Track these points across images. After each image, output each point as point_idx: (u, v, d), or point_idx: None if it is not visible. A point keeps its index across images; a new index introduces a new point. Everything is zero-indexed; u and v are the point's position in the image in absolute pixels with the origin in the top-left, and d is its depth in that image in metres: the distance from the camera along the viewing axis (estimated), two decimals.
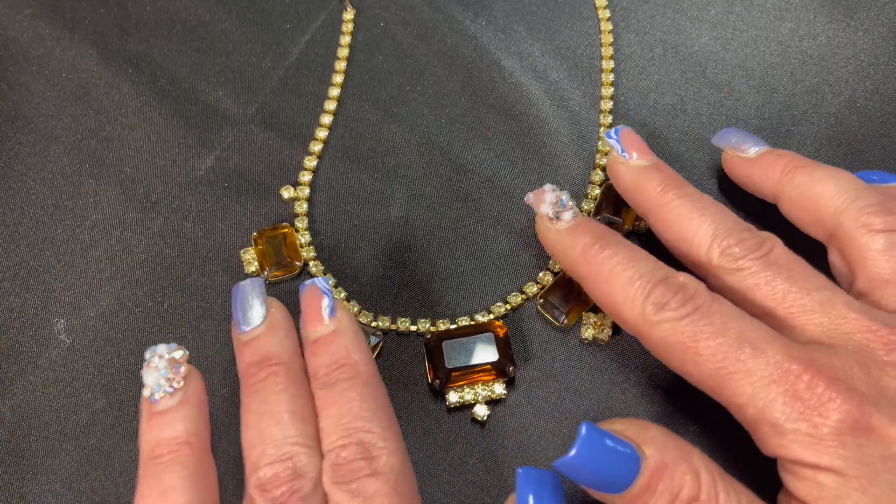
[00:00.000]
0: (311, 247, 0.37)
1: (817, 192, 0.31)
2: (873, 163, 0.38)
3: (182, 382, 0.29)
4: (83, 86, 0.40)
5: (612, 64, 0.41)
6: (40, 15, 0.42)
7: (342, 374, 0.29)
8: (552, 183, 0.38)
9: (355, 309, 0.36)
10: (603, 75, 0.41)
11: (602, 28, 0.41)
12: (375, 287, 0.36)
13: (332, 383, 0.28)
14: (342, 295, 0.36)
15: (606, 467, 0.25)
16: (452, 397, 0.33)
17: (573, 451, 0.25)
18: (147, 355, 0.29)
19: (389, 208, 0.38)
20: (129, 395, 0.34)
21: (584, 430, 0.25)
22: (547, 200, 0.32)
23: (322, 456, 0.27)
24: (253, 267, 0.36)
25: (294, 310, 0.35)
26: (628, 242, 0.30)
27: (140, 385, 0.34)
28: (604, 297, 0.29)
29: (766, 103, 0.40)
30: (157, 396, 0.28)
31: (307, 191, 0.38)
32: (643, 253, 0.30)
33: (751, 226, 0.30)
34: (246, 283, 0.31)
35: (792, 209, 0.32)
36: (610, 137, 0.34)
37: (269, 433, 0.27)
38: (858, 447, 0.24)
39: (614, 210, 0.37)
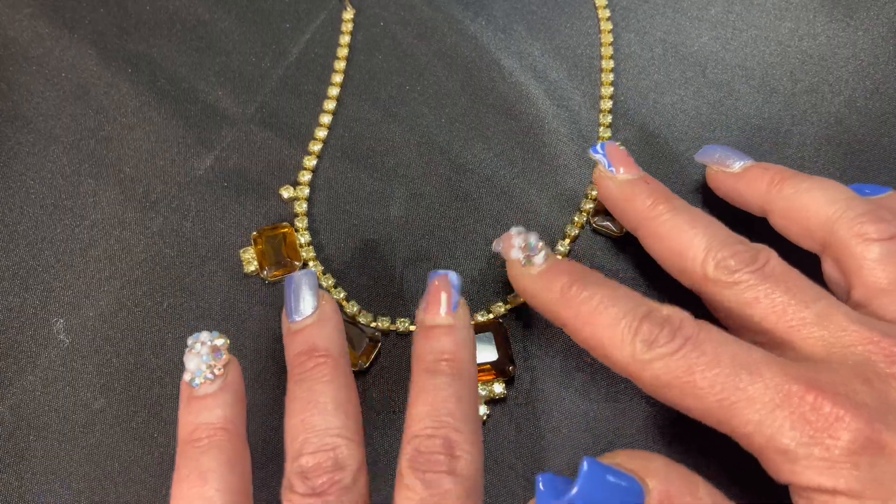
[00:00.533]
0: (311, 247, 0.37)
1: (806, 202, 0.31)
2: (873, 163, 0.38)
3: (222, 370, 0.29)
4: (83, 85, 0.40)
5: (611, 64, 0.41)
6: (40, 15, 0.42)
7: (448, 367, 0.29)
8: (550, 181, 0.38)
9: (355, 308, 0.36)
10: (603, 75, 0.40)
11: (602, 28, 0.41)
12: (375, 287, 0.36)
13: (436, 372, 0.28)
14: (342, 295, 0.36)
15: (606, 500, 0.24)
16: None
17: (575, 489, 0.24)
18: (190, 341, 0.30)
19: (389, 208, 0.38)
20: (128, 394, 0.34)
21: (585, 465, 0.24)
22: (515, 245, 0.31)
23: (361, 449, 0.28)
24: (252, 266, 0.36)
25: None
26: (606, 280, 0.30)
27: (139, 384, 0.34)
28: (589, 340, 0.29)
29: (766, 103, 0.39)
30: (197, 381, 0.29)
31: (307, 190, 0.38)
32: (623, 289, 0.29)
33: (744, 238, 0.30)
34: (299, 274, 0.31)
35: (781, 221, 0.32)
36: (596, 152, 0.34)
37: (313, 422, 0.28)
38: (872, 466, 0.24)
39: None
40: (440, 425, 0.27)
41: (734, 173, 0.34)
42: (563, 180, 0.38)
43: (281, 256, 0.36)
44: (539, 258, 0.31)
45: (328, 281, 0.36)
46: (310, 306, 0.30)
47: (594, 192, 0.38)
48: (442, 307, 0.30)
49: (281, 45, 0.42)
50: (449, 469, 0.26)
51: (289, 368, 0.30)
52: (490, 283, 0.36)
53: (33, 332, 0.35)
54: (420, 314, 0.30)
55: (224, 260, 0.37)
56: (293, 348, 0.30)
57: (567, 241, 0.37)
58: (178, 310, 0.36)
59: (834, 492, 0.24)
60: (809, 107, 0.39)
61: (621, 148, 0.34)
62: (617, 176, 0.33)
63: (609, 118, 0.39)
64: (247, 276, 0.36)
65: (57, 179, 0.38)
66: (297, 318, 0.30)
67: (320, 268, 0.36)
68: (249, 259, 0.36)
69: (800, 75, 0.40)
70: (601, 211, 0.37)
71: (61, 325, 0.35)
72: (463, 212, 0.38)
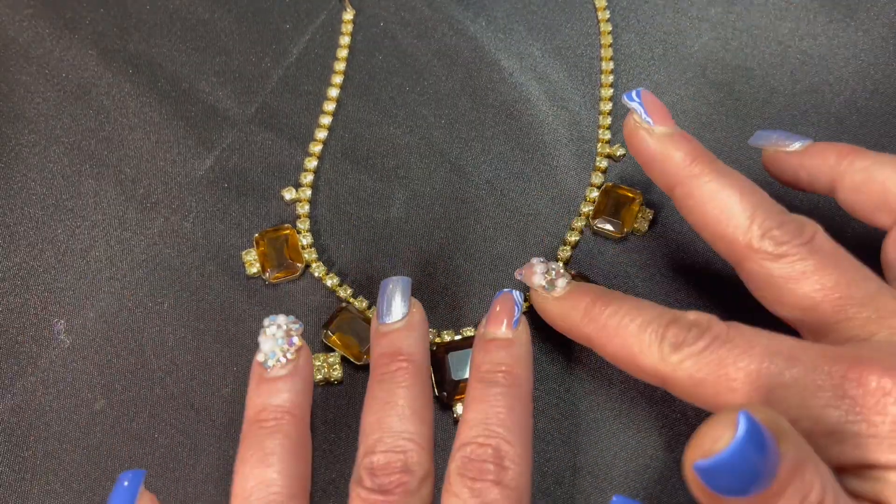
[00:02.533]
0: (313, 248, 0.37)
1: (887, 174, 0.30)
2: None
3: (294, 355, 0.30)
4: (83, 86, 0.41)
5: (611, 65, 0.41)
6: (40, 15, 0.42)
7: (504, 378, 0.29)
8: (550, 183, 0.38)
9: (364, 304, 0.36)
10: (603, 76, 0.40)
11: (602, 29, 0.41)
12: (375, 288, 0.36)
13: (491, 382, 0.29)
14: (349, 291, 0.36)
15: (754, 465, 0.21)
16: (460, 409, 0.33)
17: (728, 450, 0.20)
18: (266, 322, 0.30)
19: (389, 209, 0.38)
20: (128, 395, 0.34)
21: (742, 422, 0.20)
22: (538, 272, 0.32)
23: (430, 458, 0.28)
24: (254, 268, 0.36)
25: (304, 313, 0.36)
26: (627, 296, 0.30)
27: (140, 385, 0.35)
28: (617, 352, 0.29)
29: (766, 103, 0.39)
30: (269, 363, 0.29)
31: (308, 192, 0.38)
32: (646, 302, 0.29)
33: (785, 209, 0.29)
34: (395, 280, 0.32)
35: (853, 195, 0.31)
36: (631, 100, 0.31)
37: (389, 423, 0.28)
38: None
39: (613, 212, 0.37)
40: (491, 434, 0.27)
41: (797, 151, 0.33)
42: (563, 181, 0.38)
43: (283, 258, 0.36)
44: (561, 282, 0.32)
45: (332, 280, 0.36)
46: (400, 312, 0.31)
47: (593, 195, 0.38)
48: (503, 323, 0.30)
49: (281, 46, 0.42)
50: (496, 479, 0.26)
51: (372, 368, 0.30)
52: (489, 285, 0.36)
53: (34, 333, 0.35)
54: (480, 328, 0.31)
55: (224, 260, 0.37)
56: (378, 349, 0.31)
57: (567, 247, 0.37)
58: (179, 310, 0.36)
59: (887, 467, 0.23)
60: (809, 107, 0.39)
61: (656, 97, 0.32)
62: (654, 128, 0.31)
63: (609, 119, 0.39)
64: (249, 278, 0.36)
65: (57, 180, 0.38)
66: (387, 321, 0.31)
67: (323, 269, 0.36)
68: (252, 261, 0.36)
69: (800, 75, 0.40)
70: (601, 213, 0.37)
71: (62, 326, 0.36)
72: (462, 213, 0.38)
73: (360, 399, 0.34)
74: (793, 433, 0.22)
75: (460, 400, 0.33)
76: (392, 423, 0.28)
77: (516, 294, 0.31)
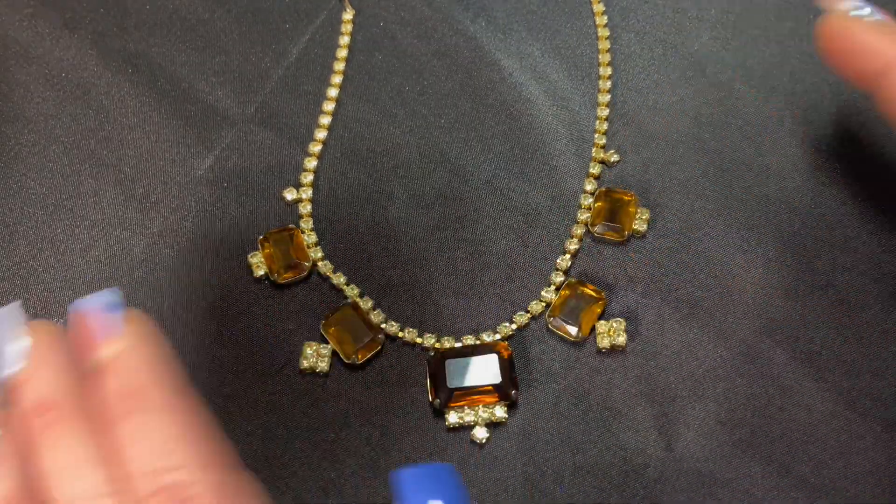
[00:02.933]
0: (318, 247, 0.37)
1: None
2: (875, 162, 0.38)
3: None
4: (83, 85, 0.41)
5: (609, 70, 0.40)
6: (40, 15, 0.42)
7: (131, 405, 0.24)
8: (550, 183, 0.38)
9: (369, 304, 0.36)
10: (601, 81, 0.40)
11: (599, 34, 0.41)
12: (375, 288, 0.36)
13: (122, 418, 0.24)
14: (356, 291, 0.36)
15: None
16: (452, 418, 0.33)
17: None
18: None
19: (389, 209, 0.38)
20: None
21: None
22: None
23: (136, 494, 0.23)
24: (262, 271, 0.36)
25: (304, 312, 0.36)
26: None
27: None
28: None
29: (766, 103, 0.39)
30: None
31: (310, 191, 0.38)
32: None
33: None
34: None
35: None
36: None
37: (75, 493, 0.23)
38: None
39: (610, 217, 0.37)
40: (155, 476, 0.23)
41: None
42: (563, 181, 0.38)
43: (290, 258, 0.36)
44: (869, 9, 0.28)
45: (340, 279, 0.36)
46: (17, 352, 0.25)
47: (587, 201, 0.37)
48: (98, 341, 0.25)
49: (281, 46, 0.42)
50: None
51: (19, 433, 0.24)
52: (489, 285, 0.36)
53: None
54: (79, 366, 0.25)
55: (224, 260, 0.37)
56: (17, 411, 0.24)
57: (567, 255, 0.37)
58: (179, 310, 0.36)
59: None
60: (810, 107, 0.39)
61: None
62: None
63: (605, 125, 0.39)
64: (257, 280, 0.36)
65: (57, 179, 0.38)
66: (8, 373, 0.25)
67: (330, 267, 0.36)
68: (258, 263, 0.36)
69: (800, 75, 0.40)
70: (599, 218, 0.37)
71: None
72: (462, 213, 0.38)
73: (363, 400, 0.34)
74: None
75: (454, 407, 0.33)
76: (77, 489, 0.23)
77: (90, 300, 0.26)
